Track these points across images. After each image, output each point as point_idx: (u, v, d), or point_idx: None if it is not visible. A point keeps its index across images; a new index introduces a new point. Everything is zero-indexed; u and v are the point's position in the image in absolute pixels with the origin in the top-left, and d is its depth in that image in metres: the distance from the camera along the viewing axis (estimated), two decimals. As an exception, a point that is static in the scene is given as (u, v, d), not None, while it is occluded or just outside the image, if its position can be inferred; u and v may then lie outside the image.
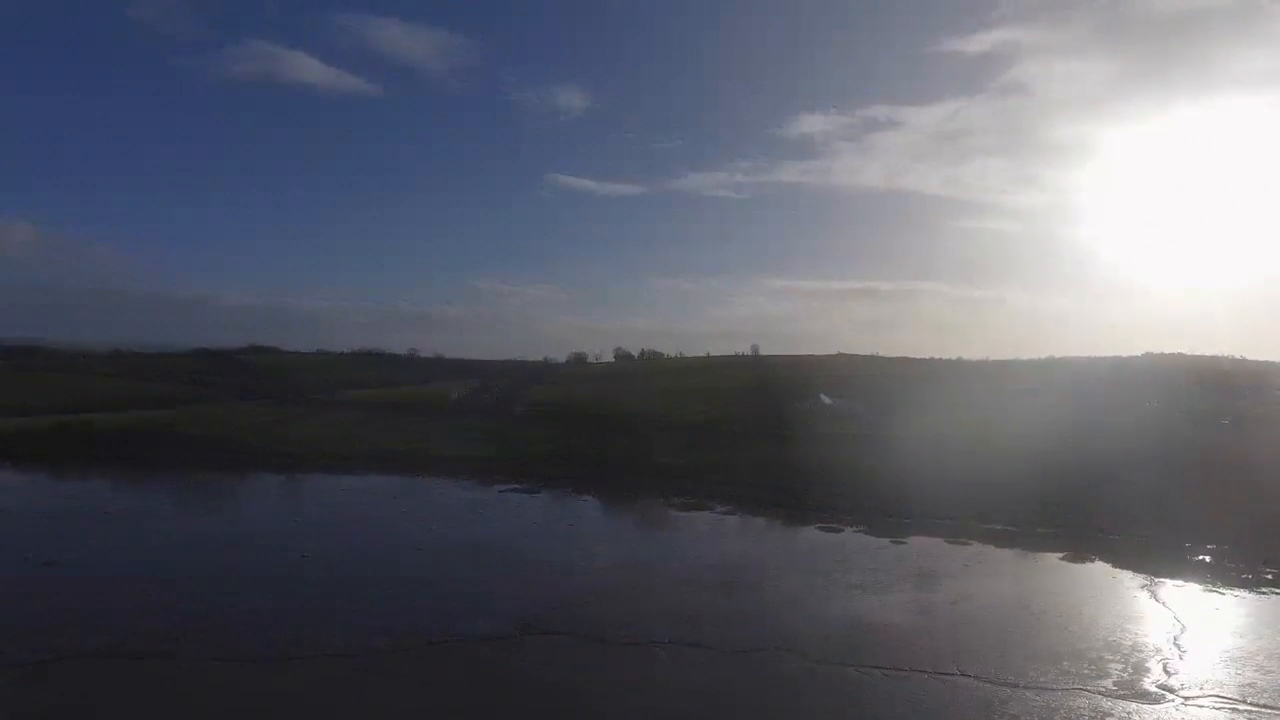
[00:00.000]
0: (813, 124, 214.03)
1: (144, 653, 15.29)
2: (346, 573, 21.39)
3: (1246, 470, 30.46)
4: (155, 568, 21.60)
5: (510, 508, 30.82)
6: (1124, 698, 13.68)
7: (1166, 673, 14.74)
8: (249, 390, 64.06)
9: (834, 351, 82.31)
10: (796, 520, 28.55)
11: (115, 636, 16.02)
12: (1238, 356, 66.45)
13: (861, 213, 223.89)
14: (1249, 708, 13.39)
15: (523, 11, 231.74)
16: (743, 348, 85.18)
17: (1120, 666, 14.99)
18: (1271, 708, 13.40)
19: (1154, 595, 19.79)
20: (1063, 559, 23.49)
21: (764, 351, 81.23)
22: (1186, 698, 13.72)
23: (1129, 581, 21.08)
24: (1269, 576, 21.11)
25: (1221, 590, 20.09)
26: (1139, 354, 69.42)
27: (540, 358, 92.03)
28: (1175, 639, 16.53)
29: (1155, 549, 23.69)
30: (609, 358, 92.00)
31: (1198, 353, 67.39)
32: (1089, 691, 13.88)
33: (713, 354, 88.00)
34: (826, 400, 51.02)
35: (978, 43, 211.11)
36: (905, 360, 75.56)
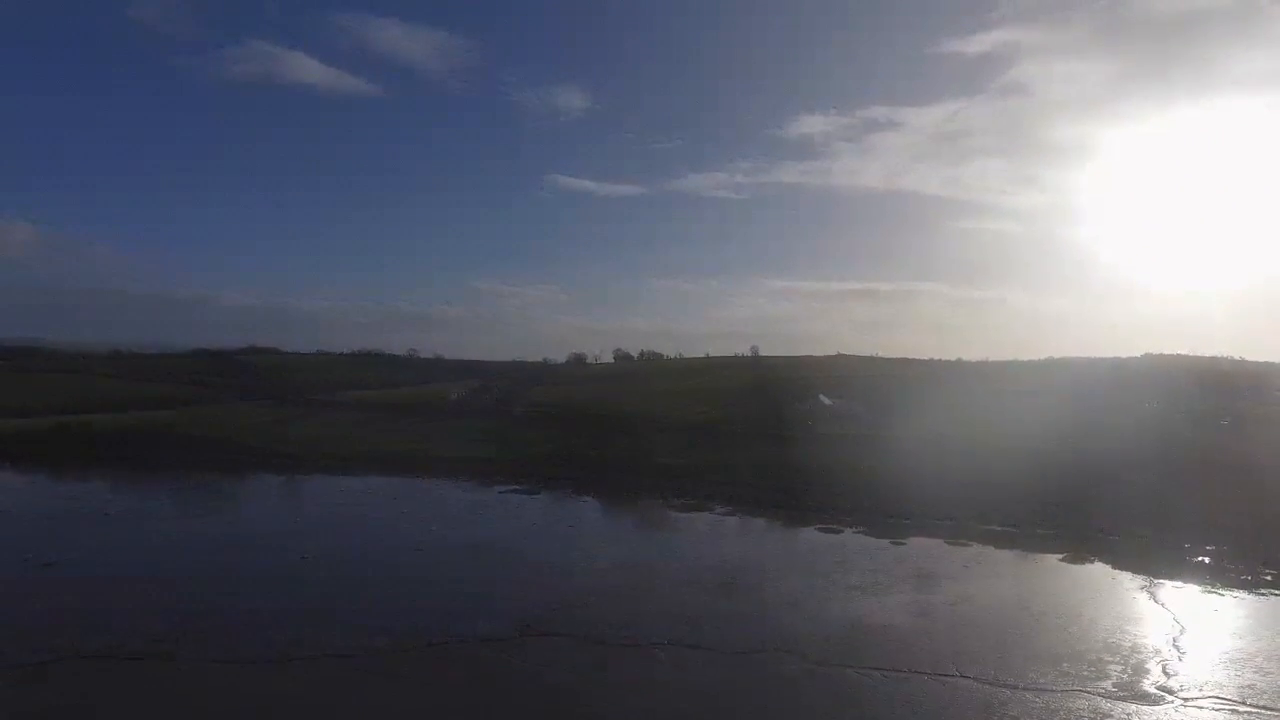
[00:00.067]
0: (812, 125, 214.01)
1: (144, 653, 15.30)
2: (346, 574, 21.40)
3: (1246, 471, 30.48)
4: (155, 568, 21.61)
5: (510, 509, 30.83)
6: (1123, 699, 13.69)
7: (1166, 674, 14.75)
8: (249, 391, 64.08)
9: (834, 352, 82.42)
10: (796, 521, 28.56)
11: (115, 637, 16.03)
12: (1237, 357, 66.55)
13: (861, 213, 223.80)
14: (1248, 709, 13.41)
15: (523, 12, 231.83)
16: (742, 348, 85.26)
17: (1120, 668, 15.00)
18: (1271, 709, 13.41)
19: (1153, 596, 19.80)
20: (1062, 560, 23.50)
21: (764, 352, 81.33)
22: (1186, 699, 13.73)
23: (1128, 583, 21.09)
24: (1268, 578, 21.13)
25: (1221, 591, 20.11)
26: (1139, 355, 69.53)
27: (540, 358, 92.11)
28: (1175, 640, 16.54)
29: (1155, 550, 23.70)
30: (609, 358, 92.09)
31: (1197, 353, 67.51)
32: (1088, 693, 13.89)
33: (712, 355, 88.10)
34: (826, 401, 51.05)
35: (977, 43, 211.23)
36: (905, 361, 75.62)
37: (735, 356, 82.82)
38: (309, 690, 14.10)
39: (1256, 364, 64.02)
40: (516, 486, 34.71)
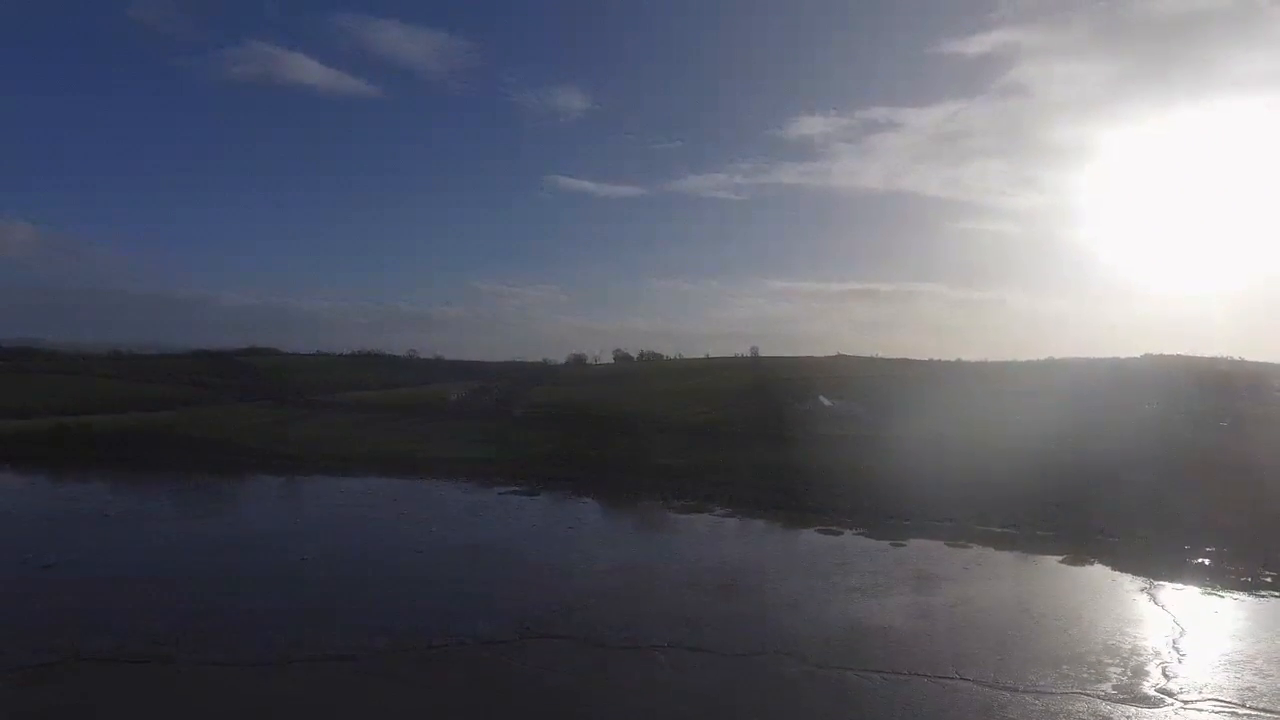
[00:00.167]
0: (812, 125, 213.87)
1: (144, 655, 15.30)
2: (346, 575, 21.40)
3: (1245, 472, 30.48)
4: (155, 569, 21.61)
5: (510, 510, 30.83)
6: (1123, 701, 13.69)
7: (1166, 676, 14.75)
8: (248, 392, 64.08)
9: (833, 353, 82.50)
10: (796, 522, 28.56)
11: (116, 638, 16.03)
12: (1236, 358, 66.58)
13: (861, 214, 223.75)
14: (1248, 711, 13.41)
15: (523, 13, 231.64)
16: (742, 349, 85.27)
17: (1119, 670, 15.00)
18: (1271, 711, 13.41)
19: (1153, 598, 19.81)
20: (1062, 561, 23.51)
21: (763, 353, 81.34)
22: (1186, 701, 13.73)
23: (1128, 584, 21.09)
24: (1268, 579, 21.13)
25: (1221, 593, 20.11)
26: (1138, 355, 69.59)
27: (540, 359, 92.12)
28: (1174, 642, 16.55)
29: (1155, 551, 23.70)
30: (608, 359, 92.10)
31: (1197, 354, 67.57)
32: (1088, 695, 13.89)
33: (712, 355, 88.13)
34: (826, 402, 51.07)
35: (977, 44, 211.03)
36: (905, 362, 75.65)
37: (735, 357, 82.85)
38: (309, 691, 14.10)
39: (1256, 364, 64.09)
40: (516, 487, 34.71)
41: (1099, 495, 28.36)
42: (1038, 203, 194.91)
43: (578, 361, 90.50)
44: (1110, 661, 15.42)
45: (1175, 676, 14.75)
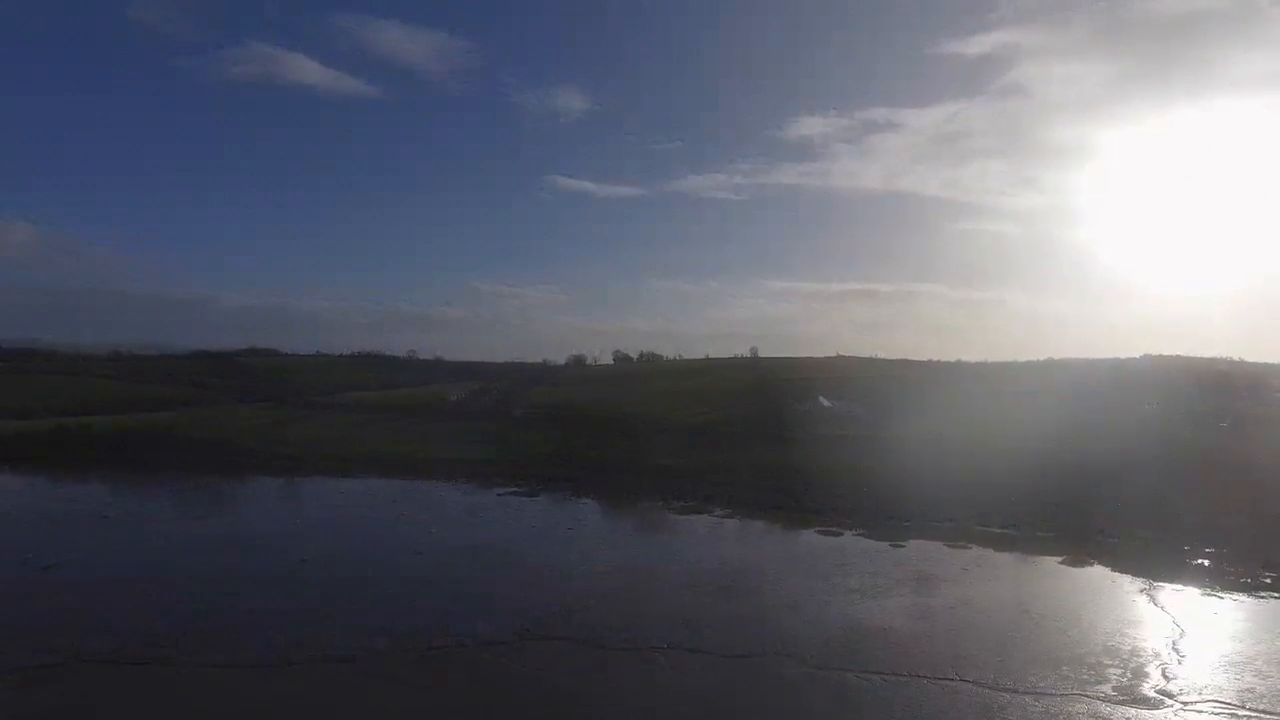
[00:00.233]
0: (812, 126, 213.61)
1: (144, 656, 15.30)
2: (346, 575, 21.40)
3: (1245, 473, 30.50)
4: (155, 570, 21.61)
5: (509, 511, 30.84)
6: (1123, 703, 13.70)
7: (1165, 678, 14.75)
8: (248, 393, 64.11)
9: (833, 353, 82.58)
10: (795, 523, 28.57)
11: (115, 639, 16.03)
12: (1236, 358, 66.67)
13: (861, 214, 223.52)
14: (1248, 713, 13.41)
15: (522, 13, 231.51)
16: (742, 349, 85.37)
17: (1119, 671, 15.00)
18: (1270, 713, 13.42)
19: (1153, 599, 19.81)
20: (1062, 562, 23.51)
21: (763, 353, 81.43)
22: (1185, 703, 13.74)
23: (1128, 585, 21.09)
24: (1267, 580, 21.13)
25: (1220, 594, 20.12)
26: (1138, 355, 69.66)
27: (539, 359, 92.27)
28: (1174, 643, 16.55)
29: (1154, 552, 23.70)
30: (608, 359, 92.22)
31: (1196, 354, 67.63)
32: (1088, 697, 13.90)
33: (712, 356, 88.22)
34: (825, 402, 51.11)
35: (977, 44, 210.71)
36: (904, 362, 75.71)
37: (734, 358, 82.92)
38: (309, 692, 14.11)
39: (1255, 365, 64.16)
40: (516, 488, 34.72)
41: (1099, 496, 28.37)
42: (1037, 203, 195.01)
43: (577, 362, 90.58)
44: (1110, 663, 15.43)
45: (1175, 678, 14.75)
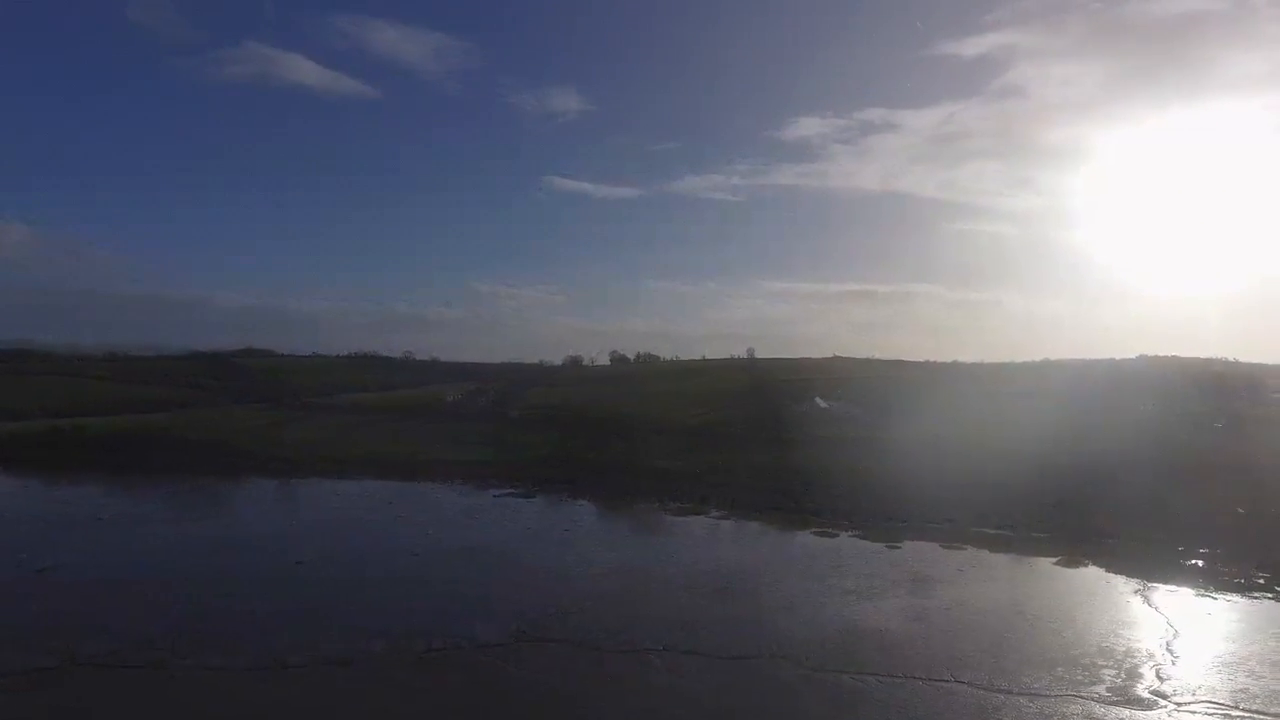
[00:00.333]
0: (810, 127, 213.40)
1: (139, 658, 15.27)
2: (342, 578, 21.39)
3: (1240, 473, 30.61)
4: (150, 572, 21.57)
5: (506, 512, 30.85)
6: (1117, 704, 13.76)
7: (1159, 678, 14.82)
8: (244, 394, 63.99)
9: (830, 354, 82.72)
10: (792, 524, 28.62)
11: (111, 642, 16.00)
12: (1231, 359, 66.91)
13: (858, 215, 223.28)
14: (1241, 713, 13.48)
15: (520, 14, 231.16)
16: (739, 350, 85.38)
17: (1113, 672, 15.07)
18: (1264, 713, 13.49)
19: (1147, 600, 19.89)
20: (1057, 563, 23.59)
21: (760, 354, 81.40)
22: (1179, 703, 13.80)
23: (1122, 586, 21.17)
24: (1261, 581, 21.23)
25: (1214, 595, 20.20)
26: (1133, 356, 69.86)
27: (536, 360, 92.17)
28: (1168, 644, 16.63)
29: (1149, 552, 23.79)
30: (605, 360, 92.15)
31: (1191, 355, 67.85)
32: (1082, 698, 13.96)
33: (709, 357, 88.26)
34: (822, 403, 51.21)
35: (973, 46, 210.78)
36: (901, 363, 75.88)
37: (731, 358, 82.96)
38: (306, 695, 14.11)
39: (1250, 365, 64.39)
40: (512, 490, 34.73)
41: (1094, 496, 28.46)
42: (1034, 204, 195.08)
43: (574, 363, 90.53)
44: (1104, 664, 15.49)
45: (1169, 678, 14.82)
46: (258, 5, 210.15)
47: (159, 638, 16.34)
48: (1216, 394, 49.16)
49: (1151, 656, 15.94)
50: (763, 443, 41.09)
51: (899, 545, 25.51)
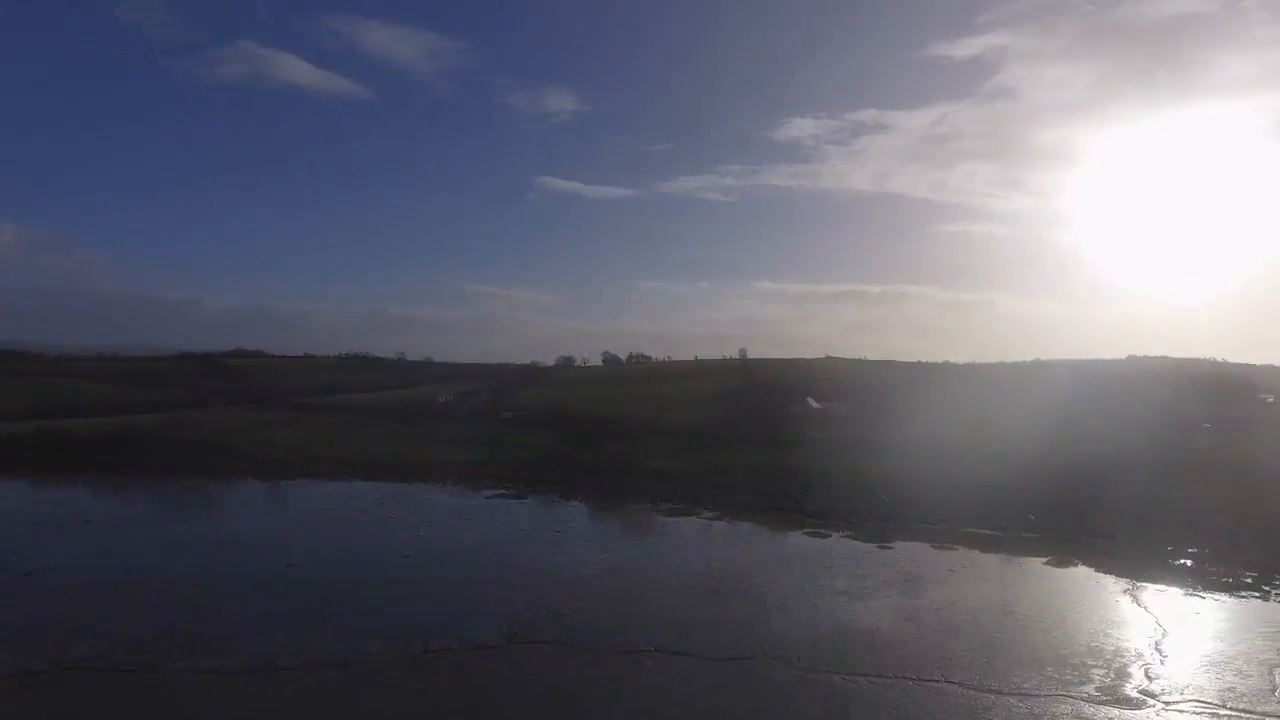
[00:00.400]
0: (802, 128, 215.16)
1: (130, 662, 15.17)
2: (334, 580, 21.31)
3: (1228, 474, 30.84)
4: (140, 575, 21.46)
5: (498, 514, 30.81)
6: (1106, 703, 13.83)
7: (1148, 678, 14.90)
8: (235, 395, 63.75)
9: (822, 354, 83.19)
10: (783, 525, 28.68)
11: (99, 646, 15.88)
12: (1220, 359, 67.54)
13: (850, 216, 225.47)
14: (1229, 712, 13.57)
15: (513, 15, 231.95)
16: (731, 351, 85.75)
17: (1103, 672, 15.15)
18: (1251, 711, 13.58)
19: (1136, 600, 20.00)
20: (1047, 563, 23.71)
21: (752, 354, 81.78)
22: (1167, 703, 13.88)
23: (1112, 586, 21.28)
24: (1248, 580, 21.37)
25: (1202, 594, 20.33)
26: (1123, 357, 70.46)
27: (529, 361, 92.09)
28: (1157, 644, 16.72)
29: (1137, 553, 23.92)
30: (597, 361, 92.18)
31: (1181, 356, 68.41)
32: (1072, 697, 14.02)
33: (702, 357, 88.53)
34: (814, 404, 51.34)
35: (965, 47, 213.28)
36: (893, 363, 76.18)
37: (724, 359, 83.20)
38: (298, 698, 14.05)
39: (1238, 366, 65.01)
40: (504, 491, 34.69)
41: (1084, 497, 28.61)
42: (1025, 205, 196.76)
43: (567, 363, 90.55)
44: (1094, 663, 15.57)
45: (1157, 678, 14.90)
46: (251, 5, 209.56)
47: (149, 640, 16.23)
48: (1205, 395, 49.54)
49: (1140, 656, 16.04)
50: (755, 444, 41.17)
51: (891, 545, 25.60)
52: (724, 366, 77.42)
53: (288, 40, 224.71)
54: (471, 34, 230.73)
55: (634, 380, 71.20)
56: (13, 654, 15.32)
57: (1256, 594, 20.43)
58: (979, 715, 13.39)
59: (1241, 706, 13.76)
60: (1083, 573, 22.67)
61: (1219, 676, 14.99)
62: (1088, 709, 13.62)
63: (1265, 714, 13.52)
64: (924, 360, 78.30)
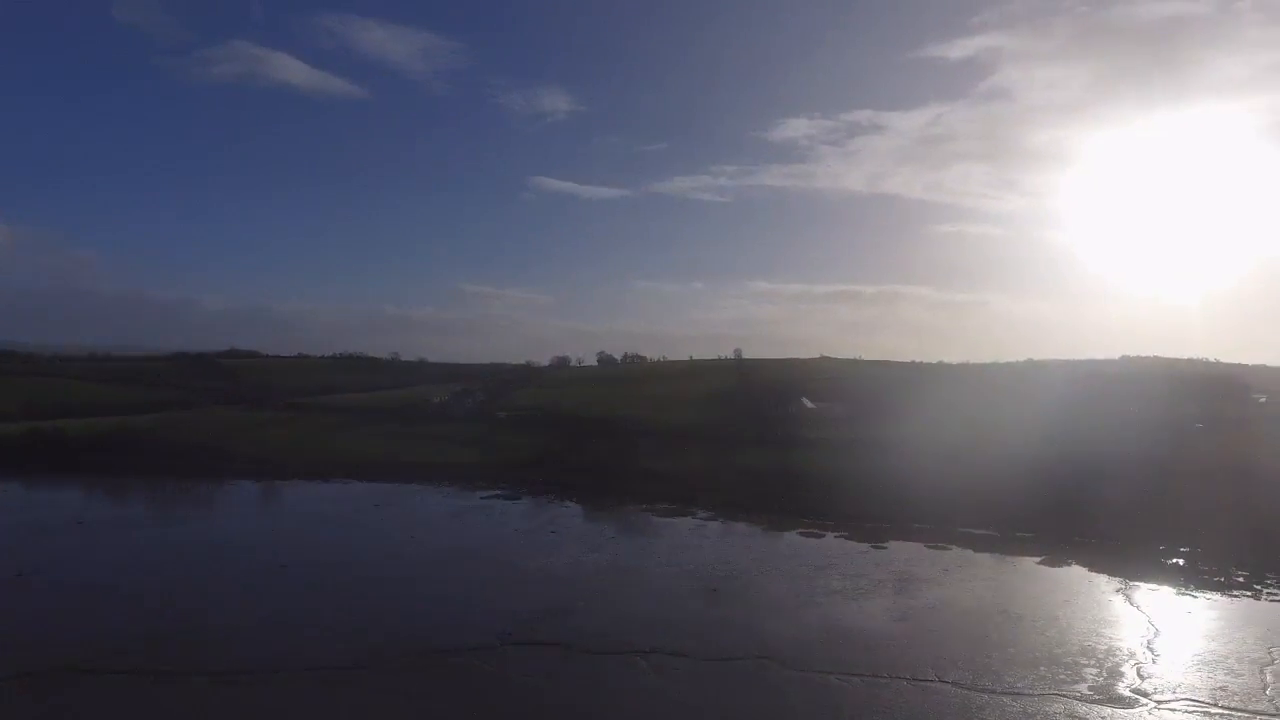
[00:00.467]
0: (797, 128, 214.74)
1: (120, 667, 15.10)
2: (327, 582, 21.27)
3: (1220, 474, 30.90)
4: (130, 579, 21.37)
5: (493, 514, 30.80)
6: (1099, 702, 13.89)
7: (1140, 676, 14.97)
8: (229, 395, 63.46)
9: (817, 355, 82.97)
10: (778, 525, 28.73)
11: (89, 650, 15.80)
12: (1213, 359, 67.66)
13: (845, 216, 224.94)
14: (1221, 711, 13.64)
15: (508, 15, 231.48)
16: (726, 351, 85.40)
17: (1095, 671, 15.21)
18: (1243, 710, 13.66)
19: (1129, 599, 20.08)
20: (1040, 563, 23.79)
21: (747, 354, 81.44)
22: (1160, 701, 13.95)
23: (1104, 585, 21.37)
24: (1240, 579, 21.48)
25: (1194, 593, 20.42)
26: (1116, 357, 70.56)
27: (523, 361, 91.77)
28: (1149, 643, 16.79)
29: (1130, 552, 24.02)
30: (592, 361, 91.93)
31: (1174, 356, 68.59)
32: (1065, 696, 14.08)
33: (696, 357, 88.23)
34: (809, 404, 51.34)
35: (960, 48, 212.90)
36: (888, 363, 76.14)
37: (718, 359, 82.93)
38: (291, 702, 14.02)
39: (1231, 365, 65.13)
40: (498, 491, 34.69)
41: (1076, 497, 28.67)
42: (1019, 206, 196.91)
43: (562, 364, 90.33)
44: (1086, 662, 15.63)
45: (1150, 677, 14.96)
46: (245, 5, 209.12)
47: (141, 645, 16.15)
48: (1198, 395, 49.65)
49: (1133, 655, 16.10)
50: (750, 444, 41.16)
51: (885, 545, 25.66)
52: (719, 367, 77.34)
53: (282, 40, 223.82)
54: (467, 34, 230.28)
55: (629, 380, 71.14)
56: (2, 659, 15.22)
57: (1248, 593, 20.54)
58: (973, 715, 13.44)
59: (1233, 705, 13.83)
60: (1076, 572, 22.75)
61: (1211, 675, 15.07)
62: (1080, 708, 13.68)
63: (1257, 712, 13.60)
64: (918, 360, 78.20)
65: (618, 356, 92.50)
